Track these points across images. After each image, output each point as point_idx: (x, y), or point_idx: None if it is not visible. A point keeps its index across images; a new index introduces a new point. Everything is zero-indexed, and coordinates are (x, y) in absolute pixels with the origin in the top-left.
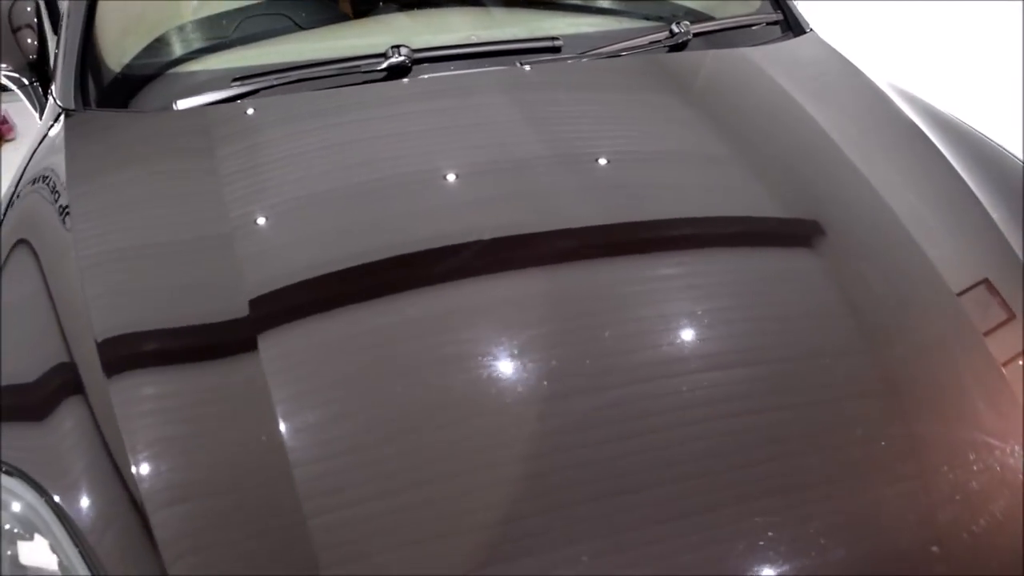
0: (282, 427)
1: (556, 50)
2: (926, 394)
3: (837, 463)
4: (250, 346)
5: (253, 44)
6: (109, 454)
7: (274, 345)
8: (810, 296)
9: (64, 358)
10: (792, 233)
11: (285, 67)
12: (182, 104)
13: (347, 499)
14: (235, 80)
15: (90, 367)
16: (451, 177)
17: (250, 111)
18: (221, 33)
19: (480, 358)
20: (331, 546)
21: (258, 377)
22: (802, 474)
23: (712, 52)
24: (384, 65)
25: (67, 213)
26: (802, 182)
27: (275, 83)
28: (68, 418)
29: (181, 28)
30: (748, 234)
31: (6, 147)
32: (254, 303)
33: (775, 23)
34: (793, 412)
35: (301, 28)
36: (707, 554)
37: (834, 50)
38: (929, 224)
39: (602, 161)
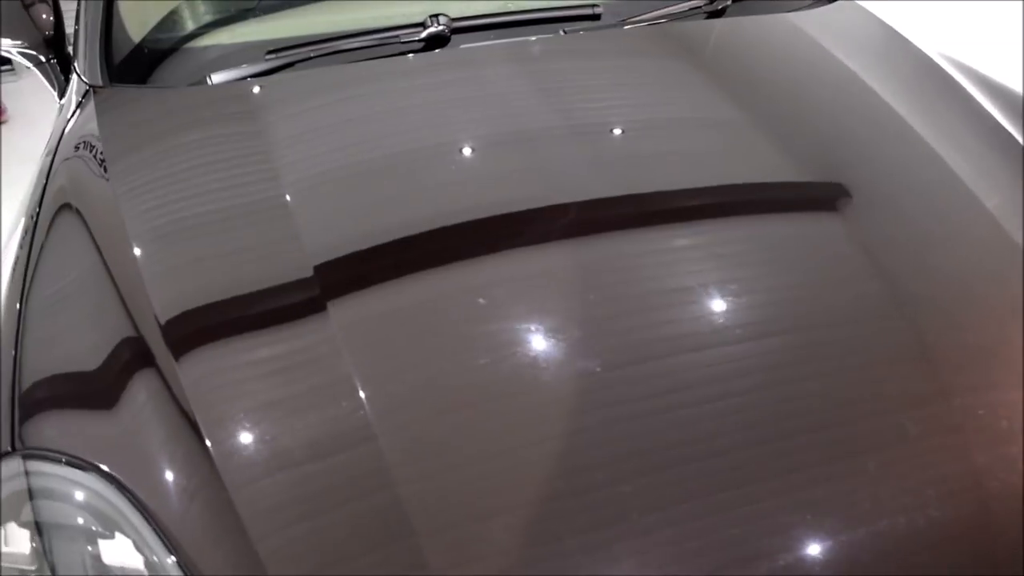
0: (362, 395)
1: (596, 17)
2: (981, 360)
3: (884, 433)
4: (320, 314)
5: (281, 14)
6: (185, 439)
7: (345, 312)
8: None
9: (127, 339)
10: (854, 197)
11: (320, 38)
12: (217, 78)
13: (433, 467)
14: (270, 53)
15: (156, 346)
16: (500, 146)
17: (290, 83)
18: (246, 3)
19: (543, 327)
20: (421, 514)
21: (332, 345)
22: (854, 442)
23: (754, 18)
24: (424, 35)
25: (114, 191)
26: (868, 145)
27: (312, 55)
28: (138, 405)
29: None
30: (810, 199)
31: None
32: (319, 269)
33: None
34: (845, 377)
35: None
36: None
37: (871, 14)
38: (993, 191)
39: (660, 129)
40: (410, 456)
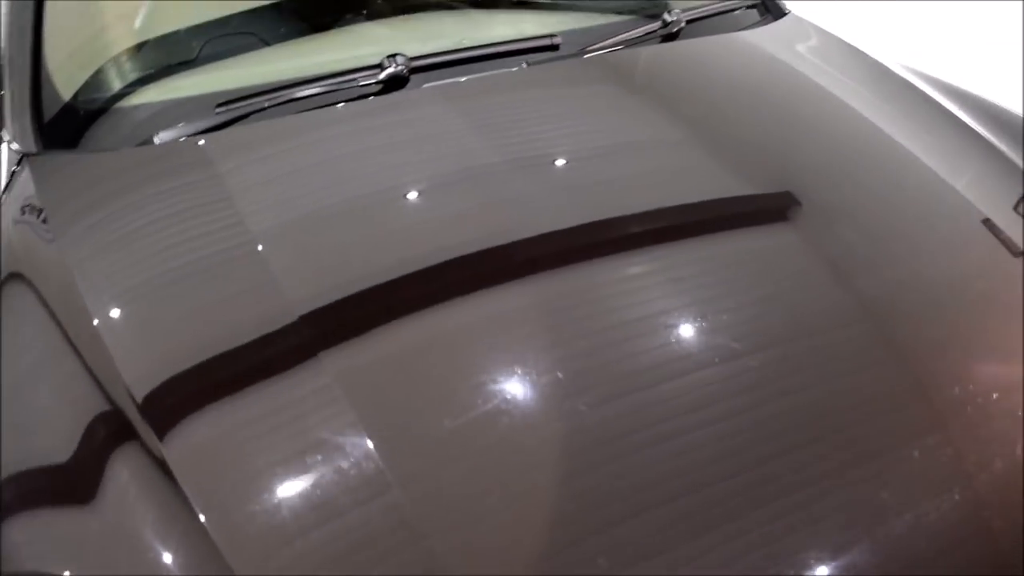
0: (371, 445)
1: (555, 48)
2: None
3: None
4: (313, 363)
5: (222, 65)
6: (183, 525)
7: (339, 359)
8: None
9: (101, 420)
10: (826, 207)
11: (272, 87)
12: (165, 136)
13: (458, 519)
14: (219, 106)
15: (136, 425)
16: (468, 184)
17: (245, 136)
18: (184, 55)
19: (530, 364)
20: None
21: (331, 395)
22: (849, 451)
23: (709, 39)
24: (382, 76)
25: (66, 260)
26: (841, 156)
27: (266, 105)
28: (123, 497)
29: (140, 53)
30: (780, 213)
31: None
32: (305, 318)
33: (753, 6)
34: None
35: (268, 44)
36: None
37: (819, 27)
38: (964, 191)
39: (627, 157)
40: (433, 508)
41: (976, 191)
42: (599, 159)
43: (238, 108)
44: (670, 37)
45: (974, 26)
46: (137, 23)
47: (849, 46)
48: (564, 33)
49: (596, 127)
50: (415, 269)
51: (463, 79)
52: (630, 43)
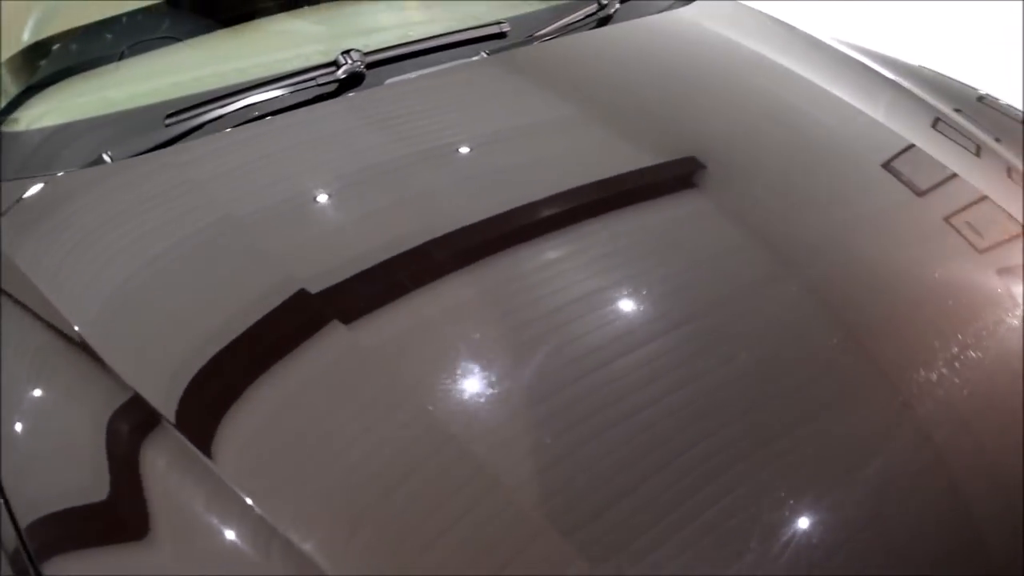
0: (431, 409)
1: (503, 36)
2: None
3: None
4: (338, 333)
5: (155, 73)
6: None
7: (366, 329)
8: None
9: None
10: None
11: (224, 92)
12: (115, 154)
13: (533, 467)
14: (169, 118)
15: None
16: (460, 171)
17: (210, 147)
18: (111, 69)
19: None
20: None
21: (363, 361)
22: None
23: (652, 18)
24: (340, 74)
25: (39, 287)
26: (769, 124)
27: (220, 112)
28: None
29: (61, 66)
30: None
31: None
32: (322, 294)
33: None
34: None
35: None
36: None
37: (742, 4)
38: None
39: (596, 136)
40: (509, 461)
41: (898, 144)
42: (571, 144)
43: (190, 117)
44: (605, 20)
45: (975, 25)
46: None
47: (774, 19)
48: (509, 19)
49: (564, 113)
50: (418, 242)
51: (425, 72)
52: (572, 27)
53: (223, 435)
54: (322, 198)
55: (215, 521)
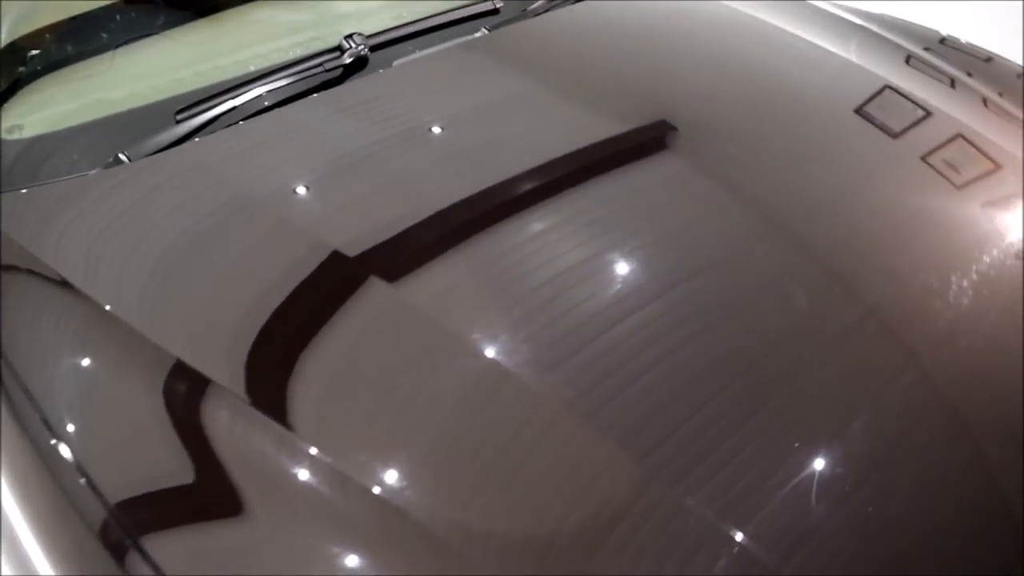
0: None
1: (496, 11)
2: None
3: None
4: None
5: (151, 71)
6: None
7: (411, 286)
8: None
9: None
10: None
11: (230, 85)
12: (132, 155)
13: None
14: (179, 114)
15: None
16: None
17: (224, 139)
18: (102, 67)
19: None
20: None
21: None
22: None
23: None
24: (346, 60)
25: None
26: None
27: (231, 105)
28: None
29: (41, 67)
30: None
31: None
32: (360, 257)
33: None
34: None
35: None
36: None
37: None
38: None
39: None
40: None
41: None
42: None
43: (199, 113)
44: None
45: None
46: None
47: None
48: None
49: (558, 85)
50: (449, 204)
51: (430, 52)
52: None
53: (283, 395)
54: (350, 174)
55: (292, 476)
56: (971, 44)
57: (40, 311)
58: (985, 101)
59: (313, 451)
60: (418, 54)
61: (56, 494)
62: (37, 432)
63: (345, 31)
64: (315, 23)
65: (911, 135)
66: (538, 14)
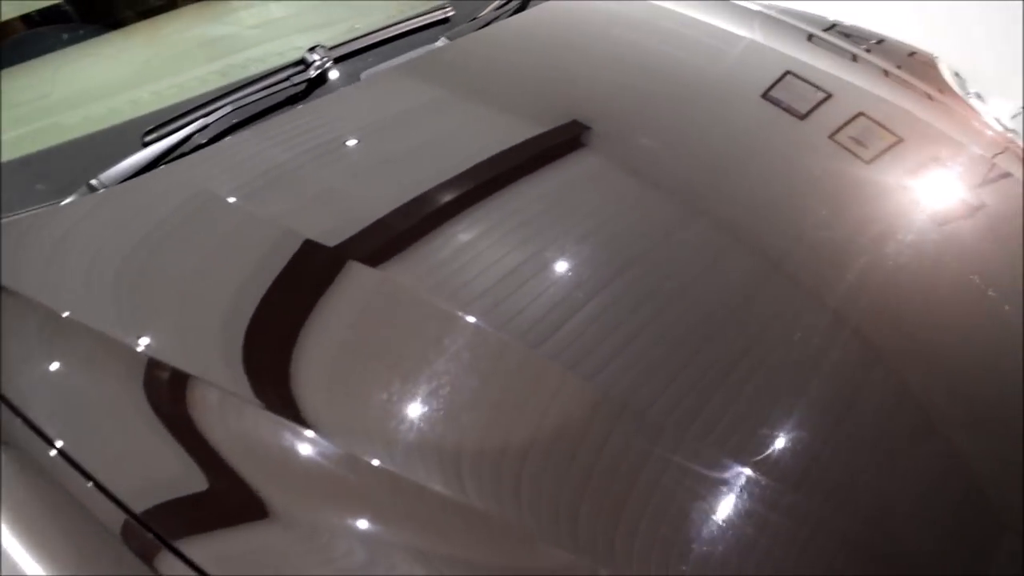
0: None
1: (447, 21)
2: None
3: None
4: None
5: (102, 92)
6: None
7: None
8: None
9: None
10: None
11: (195, 104)
12: (104, 180)
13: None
14: (146, 136)
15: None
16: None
17: (196, 161)
18: (44, 89)
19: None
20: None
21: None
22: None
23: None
24: (311, 74)
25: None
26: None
27: (199, 125)
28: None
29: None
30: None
31: None
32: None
33: None
34: None
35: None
36: None
37: None
38: None
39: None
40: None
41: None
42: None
43: (169, 134)
44: (523, 5)
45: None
46: None
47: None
48: (448, 3)
49: (507, 93)
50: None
51: (396, 63)
52: (502, 8)
53: (280, 385)
54: (332, 189)
55: (303, 463)
56: (861, 27)
57: (28, 339)
58: (886, 72)
59: (318, 437)
60: (383, 66)
61: (64, 503)
62: (31, 443)
63: (280, 42)
64: (243, 35)
65: (821, 109)
66: (487, 23)
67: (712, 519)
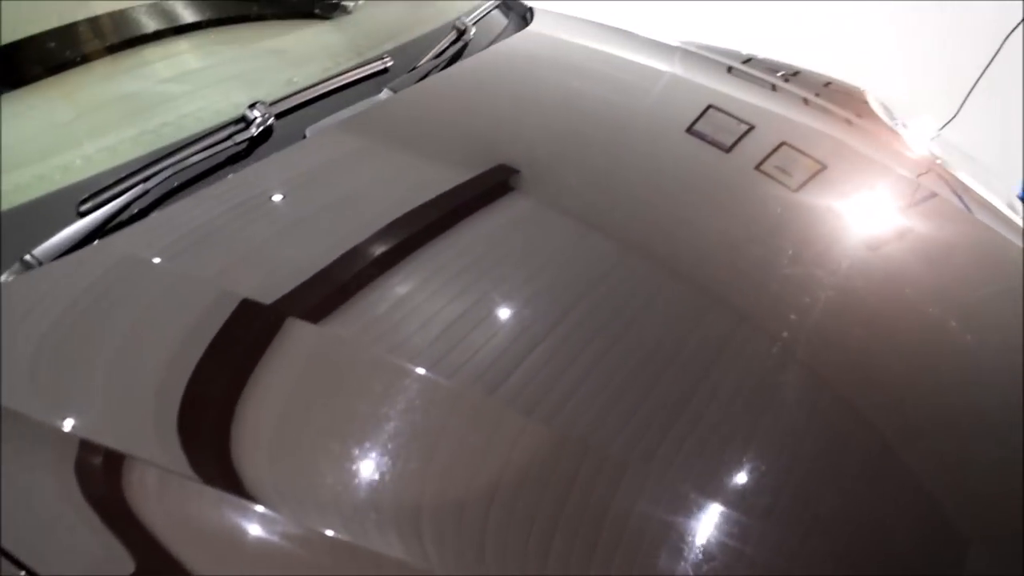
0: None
1: (386, 71)
2: None
3: None
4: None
5: (27, 158)
6: None
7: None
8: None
9: None
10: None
11: (130, 168)
12: (40, 255)
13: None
14: (83, 204)
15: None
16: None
17: (138, 232)
18: None
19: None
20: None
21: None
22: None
23: (503, 44)
24: (254, 132)
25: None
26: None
27: (139, 190)
28: None
29: None
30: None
31: None
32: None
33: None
34: None
35: None
36: None
37: (569, 17)
38: None
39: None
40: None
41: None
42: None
43: (106, 203)
44: (460, 52)
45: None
46: None
47: (596, 24)
48: (387, 53)
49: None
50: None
51: (342, 118)
52: (443, 54)
53: (216, 454)
54: (275, 244)
55: (245, 538)
56: (776, 61)
57: None
58: (806, 100)
59: (266, 511)
60: (327, 122)
61: None
62: None
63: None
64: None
65: (746, 137)
66: (427, 73)
67: (685, 555)
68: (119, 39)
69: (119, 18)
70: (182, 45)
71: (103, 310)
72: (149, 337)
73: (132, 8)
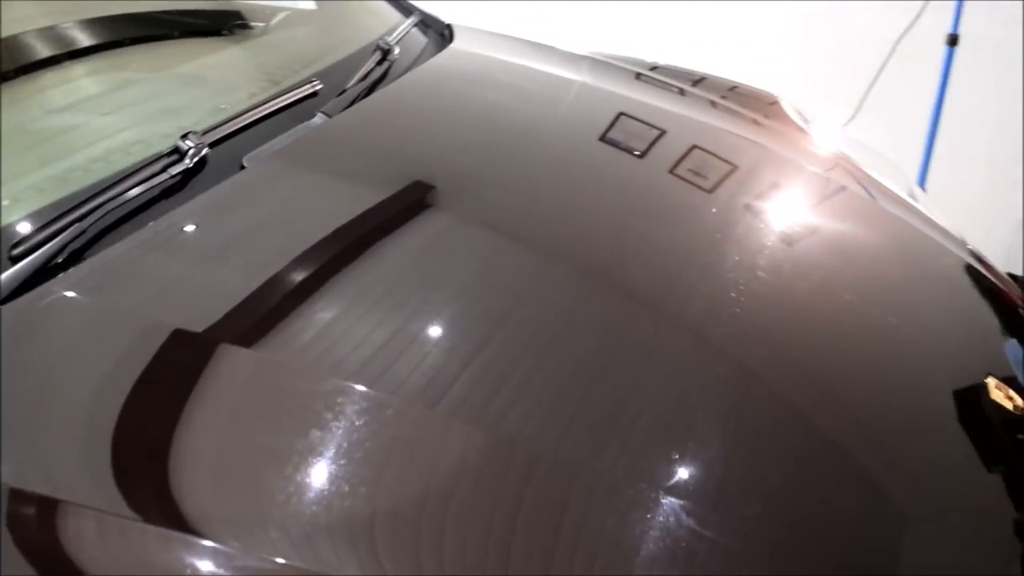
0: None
1: (316, 95)
2: None
3: None
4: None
5: None
6: None
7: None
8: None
9: None
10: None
11: (60, 209)
12: None
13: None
14: (15, 249)
15: None
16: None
17: (75, 276)
18: None
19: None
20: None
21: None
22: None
23: (426, 67)
24: (189, 163)
25: None
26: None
27: (79, 227)
28: None
29: None
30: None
31: None
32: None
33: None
34: None
35: None
36: None
37: (491, 34)
38: None
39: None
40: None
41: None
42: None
43: (39, 247)
44: (385, 73)
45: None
46: None
47: (516, 39)
48: (315, 77)
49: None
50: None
51: (280, 146)
52: (369, 75)
53: (155, 491)
54: (214, 275)
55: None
56: (682, 68)
57: None
58: (713, 103)
59: (213, 544)
60: (264, 149)
61: None
62: None
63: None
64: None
65: (658, 142)
66: (357, 96)
67: (645, 548)
68: (14, 65)
69: (12, 44)
70: (87, 70)
71: (31, 356)
72: (76, 376)
73: (25, 33)
